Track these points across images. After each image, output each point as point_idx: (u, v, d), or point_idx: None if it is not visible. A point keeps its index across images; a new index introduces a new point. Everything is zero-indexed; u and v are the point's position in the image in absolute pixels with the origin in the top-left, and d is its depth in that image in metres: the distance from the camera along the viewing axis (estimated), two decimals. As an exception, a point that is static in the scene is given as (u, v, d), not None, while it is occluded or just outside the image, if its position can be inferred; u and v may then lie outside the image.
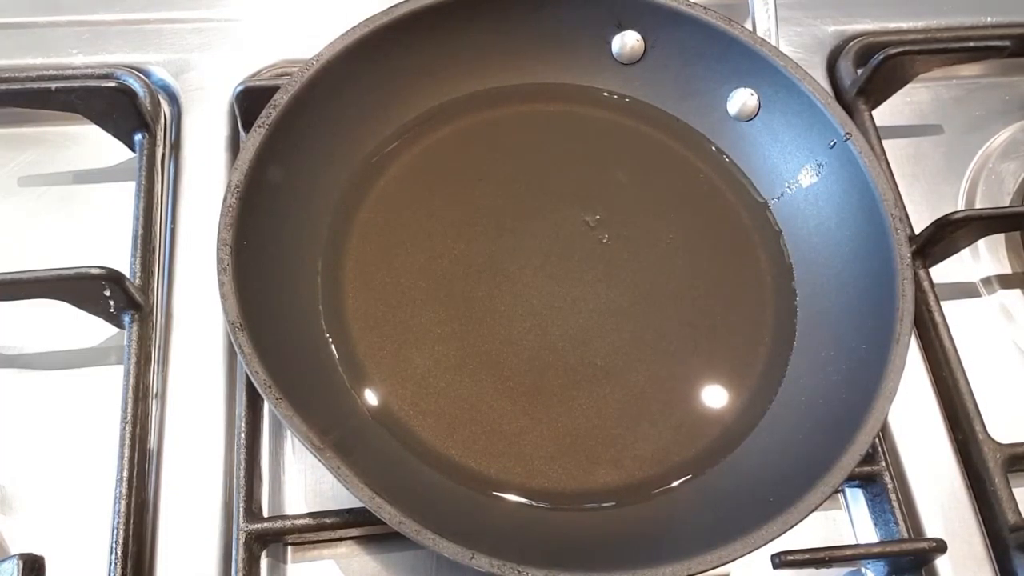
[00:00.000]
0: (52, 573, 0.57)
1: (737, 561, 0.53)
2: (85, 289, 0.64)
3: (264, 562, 0.61)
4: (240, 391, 0.64)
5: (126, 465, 0.60)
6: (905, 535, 0.64)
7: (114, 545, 0.58)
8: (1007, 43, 0.82)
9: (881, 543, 0.64)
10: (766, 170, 0.71)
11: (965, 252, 0.77)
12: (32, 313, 0.67)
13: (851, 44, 0.86)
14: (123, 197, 0.73)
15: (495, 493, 0.60)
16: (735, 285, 0.69)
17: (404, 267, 0.68)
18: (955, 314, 0.73)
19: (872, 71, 0.80)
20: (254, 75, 0.79)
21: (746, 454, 0.62)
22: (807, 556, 0.60)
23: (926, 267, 0.74)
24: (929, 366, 0.71)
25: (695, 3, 0.72)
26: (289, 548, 0.62)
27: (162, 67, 0.79)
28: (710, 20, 0.71)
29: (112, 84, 0.72)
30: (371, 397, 0.62)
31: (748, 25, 0.73)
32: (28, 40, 0.80)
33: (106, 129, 0.74)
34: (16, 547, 0.60)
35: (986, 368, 0.72)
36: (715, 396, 0.64)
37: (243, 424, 0.62)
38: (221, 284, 0.57)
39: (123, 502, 0.59)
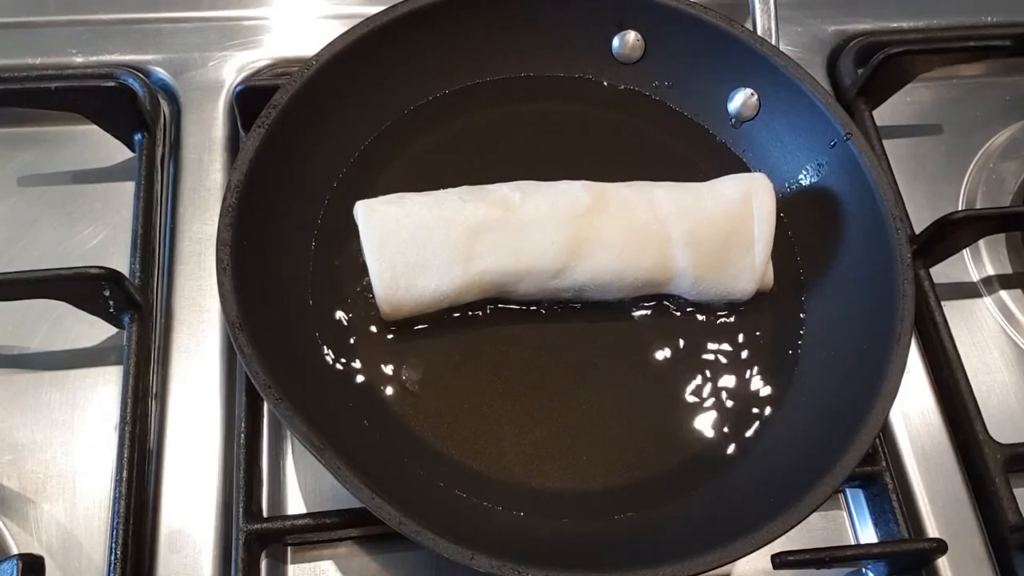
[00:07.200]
0: (52, 573, 0.57)
1: (737, 561, 0.53)
2: (85, 289, 0.64)
3: (264, 562, 0.61)
4: (240, 391, 0.64)
5: (126, 465, 0.60)
6: (906, 535, 0.64)
7: (113, 545, 0.58)
8: (1007, 43, 0.82)
9: (881, 543, 0.64)
10: (766, 169, 0.71)
11: (966, 252, 0.77)
12: (32, 313, 0.67)
13: (851, 44, 0.86)
14: (123, 197, 0.73)
15: (495, 493, 0.59)
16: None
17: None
18: (956, 314, 0.73)
19: (872, 71, 0.80)
20: (254, 75, 0.80)
21: (747, 455, 0.62)
22: (807, 556, 0.60)
23: (927, 267, 0.74)
24: (930, 366, 0.71)
25: (695, 3, 0.72)
26: (289, 548, 0.62)
27: (162, 67, 0.79)
28: (710, 19, 0.71)
29: (112, 84, 0.72)
30: (371, 397, 0.62)
31: (748, 25, 0.73)
32: (28, 40, 0.80)
33: (106, 129, 0.74)
34: (16, 547, 0.60)
35: (987, 368, 0.72)
36: (717, 397, 0.64)
37: (243, 424, 0.62)
38: (221, 284, 0.57)
39: (123, 502, 0.59)
